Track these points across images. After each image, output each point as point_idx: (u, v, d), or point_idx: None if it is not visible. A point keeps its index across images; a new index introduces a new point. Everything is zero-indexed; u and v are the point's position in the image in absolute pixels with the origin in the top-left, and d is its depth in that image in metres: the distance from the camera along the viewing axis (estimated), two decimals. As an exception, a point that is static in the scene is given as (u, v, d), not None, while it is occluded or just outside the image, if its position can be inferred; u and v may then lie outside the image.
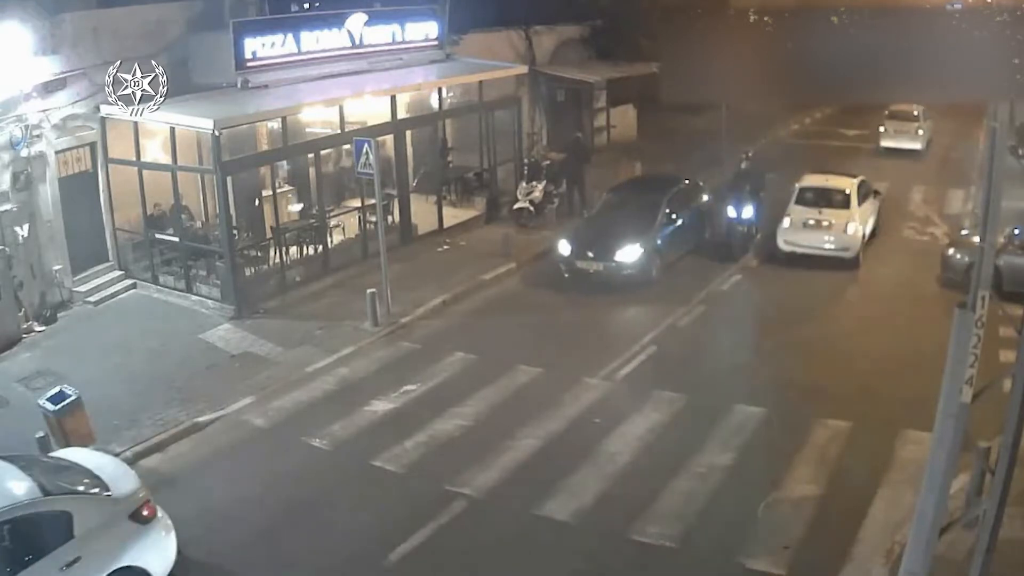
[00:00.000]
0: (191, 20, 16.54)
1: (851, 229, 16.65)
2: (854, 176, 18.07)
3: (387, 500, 9.92)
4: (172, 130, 15.08)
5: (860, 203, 17.18)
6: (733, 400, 11.63)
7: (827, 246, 16.68)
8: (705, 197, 18.73)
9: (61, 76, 14.40)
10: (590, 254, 16.22)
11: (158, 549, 8.44)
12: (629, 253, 16.01)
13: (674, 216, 17.26)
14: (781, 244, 17.10)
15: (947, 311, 6.07)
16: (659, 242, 16.56)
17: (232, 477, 10.63)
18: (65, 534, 7.72)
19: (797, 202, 17.30)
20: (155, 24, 15.82)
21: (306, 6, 18.52)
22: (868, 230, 17.52)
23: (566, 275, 16.37)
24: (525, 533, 9.23)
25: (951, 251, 15.72)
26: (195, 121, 14.71)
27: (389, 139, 18.57)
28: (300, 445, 11.21)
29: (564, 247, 16.56)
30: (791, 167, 19.84)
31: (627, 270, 16.02)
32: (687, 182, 18.74)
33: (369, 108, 17.91)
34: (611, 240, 16.18)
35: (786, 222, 17.11)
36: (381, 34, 18.83)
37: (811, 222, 16.87)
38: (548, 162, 21.43)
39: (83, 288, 15.50)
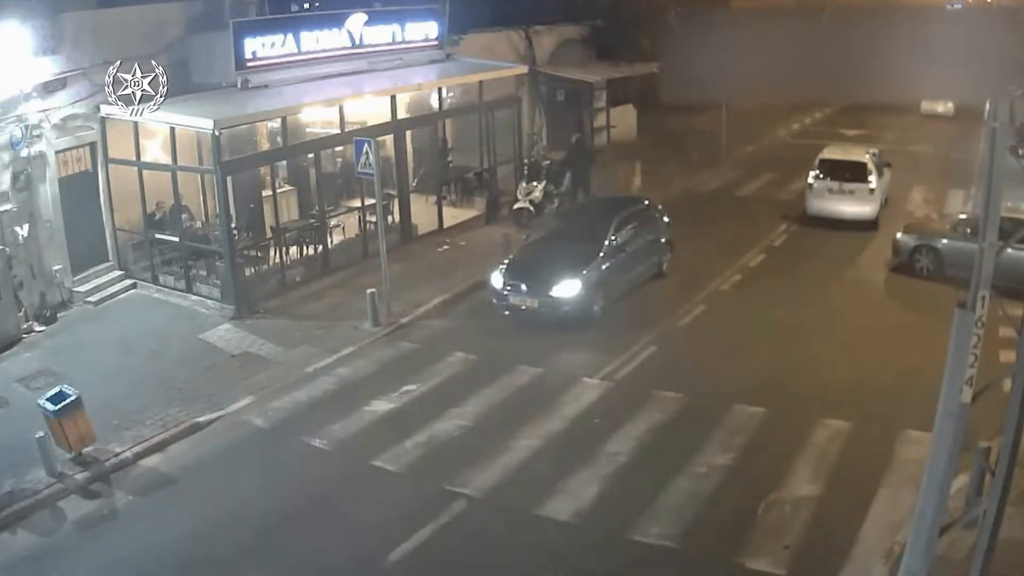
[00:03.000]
0: (191, 20, 16.55)
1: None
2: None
3: (387, 500, 9.91)
4: (172, 130, 15.09)
5: None
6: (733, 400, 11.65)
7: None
8: (665, 219, 16.83)
9: (61, 76, 14.40)
10: (523, 288, 14.39)
11: None
12: (567, 288, 14.16)
13: (623, 245, 15.33)
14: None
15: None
16: (603, 275, 14.70)
17: (232, 477, 10.62)
18: None
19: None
20: (155, 24, 15.83)
21: (306, 6, 18.50)
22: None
23: (506, 312, 14.61)
24: (525, 533, 9.23)
25: (899, 235, 15.99)
26: (195, 121, 14.72)
27: (389, 139, 18.59)
28: (300, 445, 11.21)
29: (496, 280, 14.75)
30: (794, 166, 19.70)
31: (564, 307, 14.16)
32: (646, 203, 16.96)
33: (369, 108, 17.91)
34: (548, 272, 14.32)
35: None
36: (381, 34, 18.84)
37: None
38: (548, 162, 21.46)
39: (83, 288, 15.51)
